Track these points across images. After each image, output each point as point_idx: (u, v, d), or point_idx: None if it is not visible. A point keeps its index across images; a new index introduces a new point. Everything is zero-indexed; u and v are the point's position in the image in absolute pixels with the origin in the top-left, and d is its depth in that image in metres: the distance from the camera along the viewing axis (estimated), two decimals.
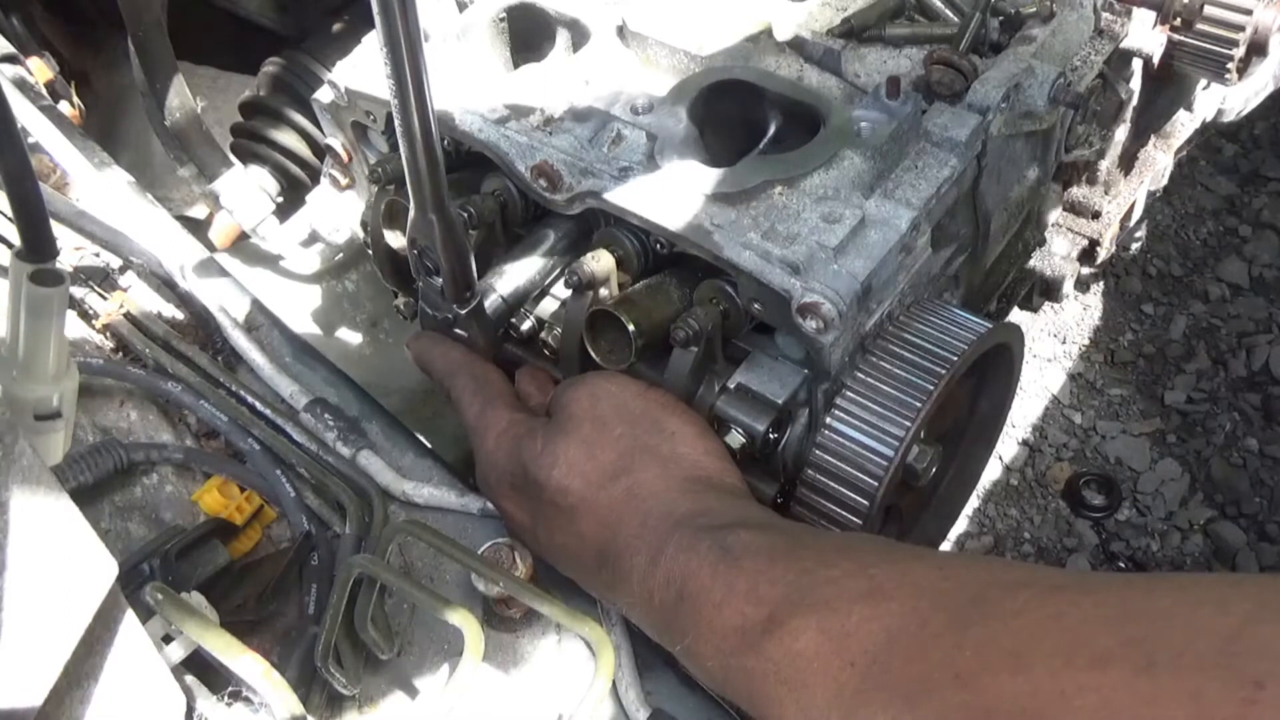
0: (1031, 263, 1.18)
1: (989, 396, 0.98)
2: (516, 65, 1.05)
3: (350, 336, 1.54)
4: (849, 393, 0.80)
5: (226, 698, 0.72)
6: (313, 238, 1.24)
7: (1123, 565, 2.13)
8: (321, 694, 0.78)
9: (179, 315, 1.06)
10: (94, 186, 1.13)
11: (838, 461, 0.80)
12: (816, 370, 0.82)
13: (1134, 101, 1.11)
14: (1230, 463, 2.23)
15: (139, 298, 1.05)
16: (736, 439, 0.82)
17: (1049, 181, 1.08)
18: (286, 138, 1.34)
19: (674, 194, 0.83)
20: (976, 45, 0.97)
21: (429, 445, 0.98)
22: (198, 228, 1.26)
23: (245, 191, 1.27)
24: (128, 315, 1.02)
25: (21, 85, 1.23)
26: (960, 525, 2.17)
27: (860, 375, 0.81)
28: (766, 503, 0.84)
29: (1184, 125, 1.28)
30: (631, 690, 0.80)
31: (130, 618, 0.62)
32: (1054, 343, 2.44)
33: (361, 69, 0.98)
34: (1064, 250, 1.20)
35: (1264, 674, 0.48)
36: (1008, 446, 2.28)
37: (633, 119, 0.90)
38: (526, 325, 0.92)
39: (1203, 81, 1.22)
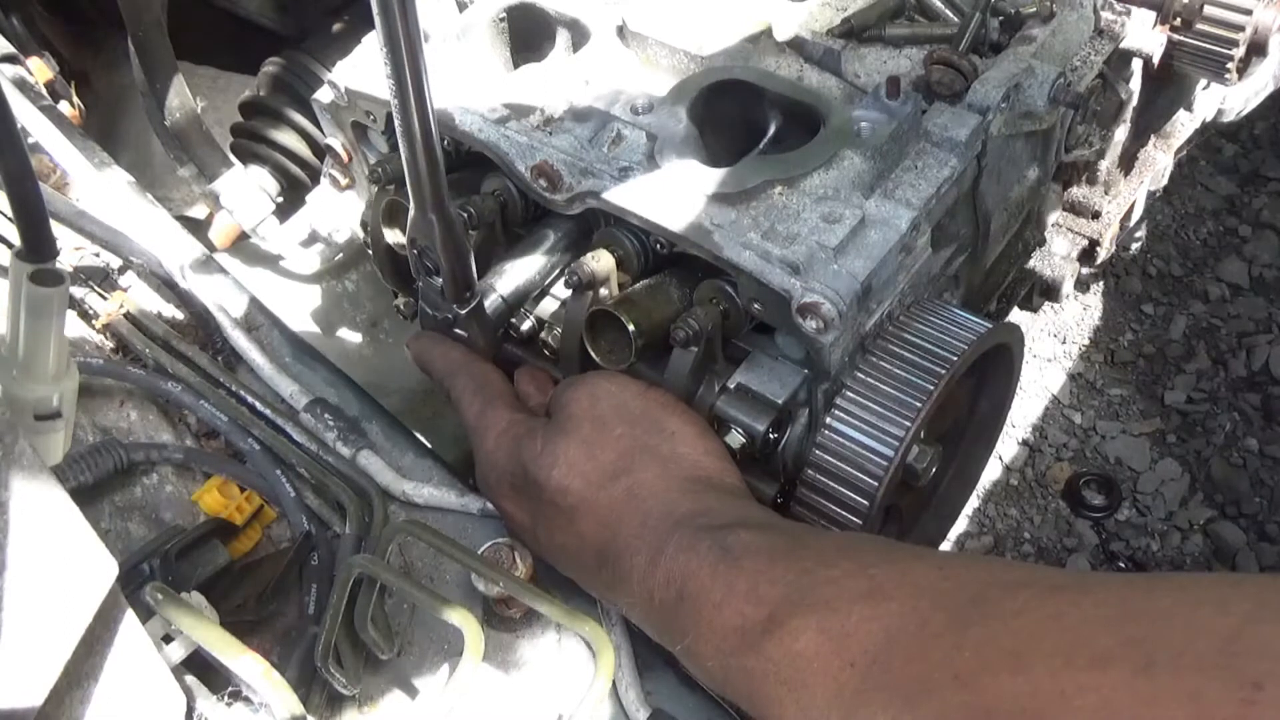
0: (1031, 263, 1.18)
1: (989, 396, 0.98)
2: (516, 65, 1.05)
3: (350, 336, 1.55)
4: (849, 393, 0.80)
5: (226, 698, 0.72)
6: (313, 238, 1.24)
7: (1123, 565, 2.13)
8: (321, 694, 0.78)
9: (179, 315, 1.06)
10: (94, 186, 1.13)
11: (838, 461, 0.80)
12: (816, 370, 0.82)
13: (1134, 101, 1.11)
14: (1230, 463, 2.23)
15: (139, 298, 1.05)
16: (736, 439, 0.82)
17: (1049, 181, 1.08)
18: (286, 138, 1.34)
19: (674, 194, 0.83)
20: (976, 45, 0.97)
21: (429, 445, 0.98)
22: (198, 228, 1.26)
23: (245, 191, 1.27)
24: (128, 315, 1.02)
25: (21, 85, 1.23)
26: (960, 525, 2.17)
27: (860, 375, 0.81)
28: (766, 503, 0.84)
29: (1184, 125, 1.28)
30: (631, 690, 0.80)
31: (130, 618, 0.62)
32: (1054, 343, 2.44)
33: (361, 69, 0.98)
34: (1064, 250, 1.20)
35: (1263, 674, 0.48)
36: (1008, 446, 2.28)
37: (633, 119, 0.90)
38: (526, 325, 0.92)
39: (1203, 81, 1.22)
